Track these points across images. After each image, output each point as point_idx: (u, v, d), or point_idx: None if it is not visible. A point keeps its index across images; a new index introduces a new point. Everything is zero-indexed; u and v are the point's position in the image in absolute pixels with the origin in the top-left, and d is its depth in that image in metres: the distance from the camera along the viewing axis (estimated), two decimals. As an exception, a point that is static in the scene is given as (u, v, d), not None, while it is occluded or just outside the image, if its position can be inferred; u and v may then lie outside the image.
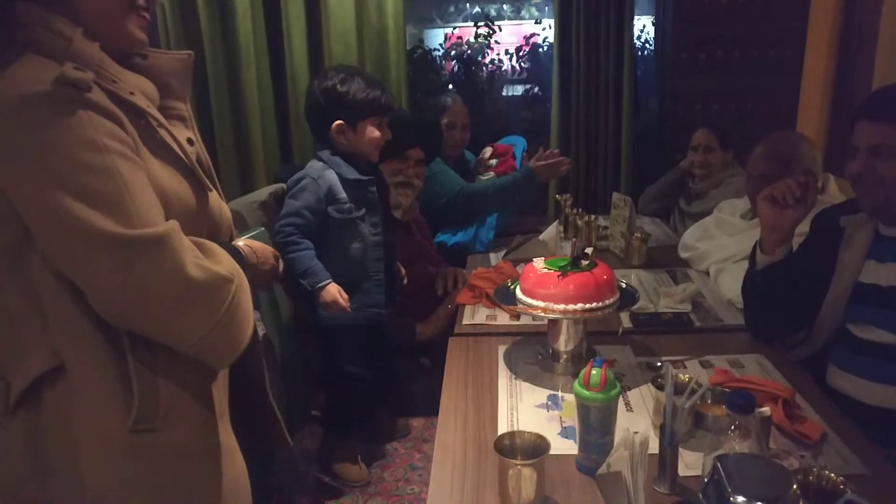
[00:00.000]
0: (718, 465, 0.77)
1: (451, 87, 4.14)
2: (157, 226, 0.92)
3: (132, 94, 1.00)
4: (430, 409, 2.00)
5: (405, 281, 1.95)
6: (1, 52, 0.93)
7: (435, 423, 1.96)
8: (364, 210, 1.76)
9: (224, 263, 1.01)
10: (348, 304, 1.70)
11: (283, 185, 2.21)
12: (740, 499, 0.72)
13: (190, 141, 1.14)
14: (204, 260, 0.97)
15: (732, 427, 0.91)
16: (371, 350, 1.84)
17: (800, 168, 1.92)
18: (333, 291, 1.68)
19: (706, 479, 0.77)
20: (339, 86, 1.74)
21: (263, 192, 2.17)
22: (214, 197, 1.13)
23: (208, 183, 1.10)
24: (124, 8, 1.01)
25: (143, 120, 1.00)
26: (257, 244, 1.28)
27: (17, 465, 0.99)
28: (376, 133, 1.77)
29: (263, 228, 1.88)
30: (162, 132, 1.03)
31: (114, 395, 0.96)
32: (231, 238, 1.25)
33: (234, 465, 1.10)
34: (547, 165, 2.60)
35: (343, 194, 1.74)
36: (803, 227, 1.63)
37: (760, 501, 0.71)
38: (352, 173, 1.75)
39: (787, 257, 1.53)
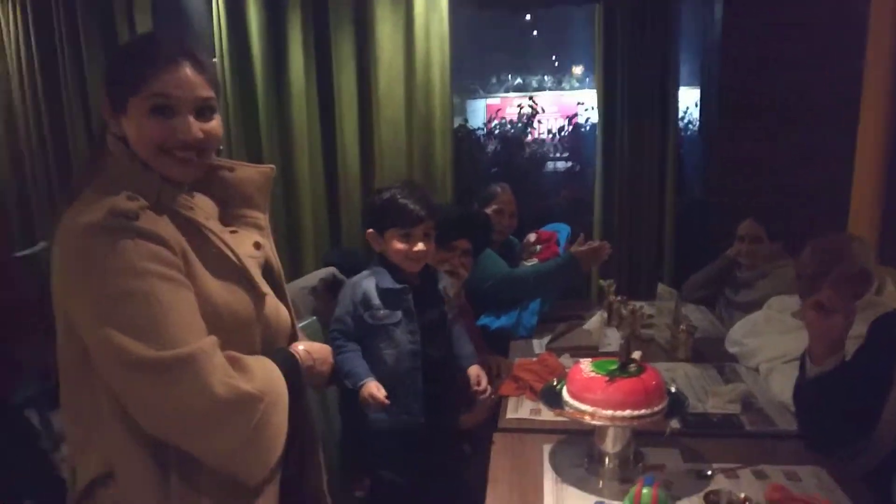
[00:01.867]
0: None
1: (493, 168, 4.21)
2: (188, 345, 0.97)
3: (191, 208, 1.08)
4: (470, 500, 1.96)
5: (483, 390, 1.92)
6: (94, 178, 1.05)
7: (476, 517, 1.93)
8: (400, 317, 1.78)
9: (256, 381, 1.04)
10: (385, 398, 1.70)
11: (333, 270, 2.26)
12: None
13: (257, 245, 1.20)
14: (234, 378, 1.01)
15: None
16: (410, 455, 1.82)
17: (853, 269, 1.88)
18: (371, 388, 1.69)
19: None
20: (377, 195, 1.82)
21: (314, 278, 2.23)
22: (271, 302, 1.18)
23: (262, 288, 1.14)
24: (155, 151, 1.07)
25: (200, 234, 1.07)
26: (316, 345, 1.31)
27: None
28: (400, 245, 1.79)
29: (314, 318, 1.92)
30: (219, 243, 1.09)
31: None
32: (295, 338, 1.28)
33: None
34: (589, 251, 2.61)
35: (377, 301, 1.77)
36: (860, 330, 1.59)
37: None
38: (387, 282, 1.79)
39: (840, 367, 1.48)
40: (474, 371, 1.93)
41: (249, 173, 1.23)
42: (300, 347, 1.25)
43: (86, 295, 0.97)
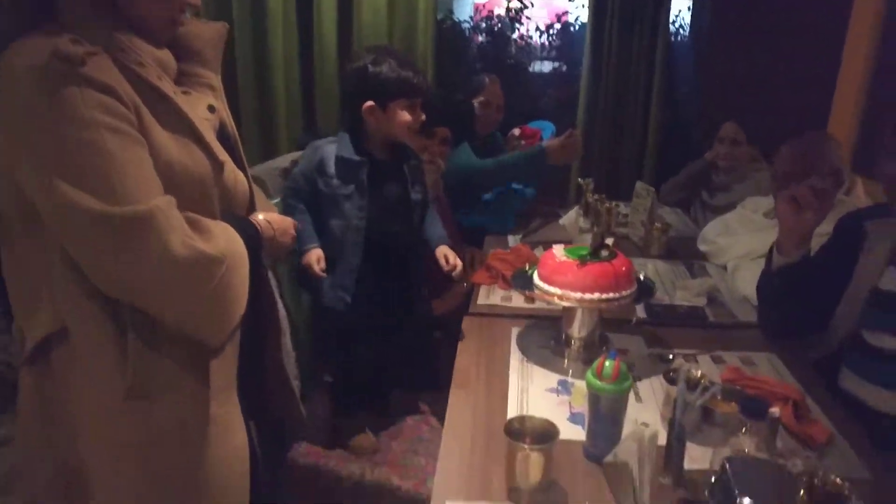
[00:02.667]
0: (727, 465, 0.78)
1: (478, 64, 4.09)
2: (145, 202, 0.92)
3: (142, 65, 1.00)
4: (440, 383, 2.03)
5: (454, 269, 1.89)
6: (42, 23, 0.94)
7: (443, 397, 1.99)
8: (352, 190, 1.75)
9: (216, 242, 1.01)
10: (322, 272, 1.71)
11: (304, 154, 2.22)
12: (746, 501, 0.73)
13: (211, 108, 1.14)
14: (194, 238, 0.97)
15: (743, 429, 0.93)
16: (377, 330, 1.84)
17: (826, 168, 1.90)
18: (311, 258, 1.70)
19: (713, 479, 0.79)
20: (370, 66, 1.72)
21: (286, 159, 2.18)
22: (229, 168, 1.13)
23: (220, 155, 1.09)
24: (167, 23, 1.05)
25: (153, 92, 1.00)
26: (276, 217, 1.28)
27: (27, 413, 1.06)
28: (406, 116, 1.74)
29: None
30: (174, 102, 1.03)
31: (112, 364, 0.99)
32: (252, 209, 1.25)
33: (232, 438, 1.11)
34: (559, 146, 2.46)
35: (332, 169, 1.74)
36: (826, 228, 1.62)
37: (765, 504, 0.73)
38: (346, 151, 1.74)
39: (804, 259, 1.52)
40: (441, 252, 1.91)
41: (200, 28, 1.16)
42: (260, 217, 1.22)
43: (31, 146, 0.91)
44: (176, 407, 1.03)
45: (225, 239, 1.03)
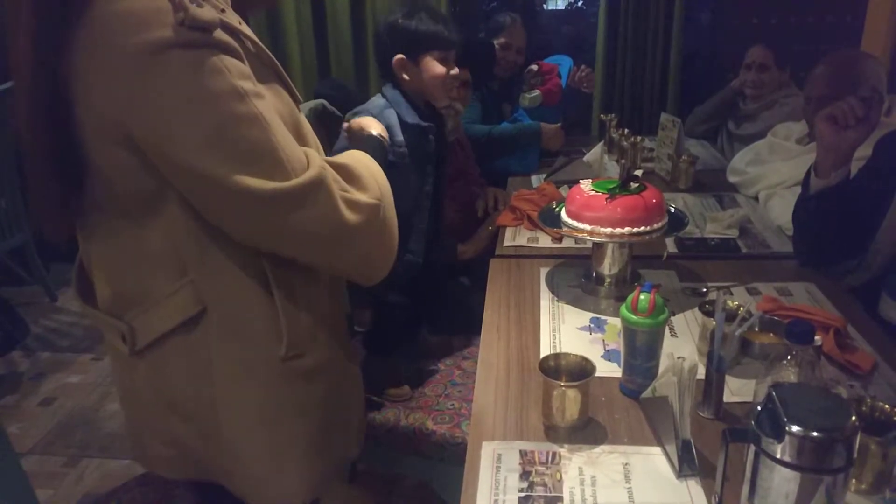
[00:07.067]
0: (773, 393, 0.76)
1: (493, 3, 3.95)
2: (310, 168, 0.86)
3: (223, 10, 0.85)
4: (469, 327, 2.02)
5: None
6: None
7: (473, 341, 2.00)
8: (419, 157, 1.71)
9: (370, 188, 0.96)
10: None
11: (323, 101, 2.17)
12: (795, 428, 0.71)
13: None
14: (351, 192, 0.92)
15: (786, 358, 0.90)
16: (414, 280, 1.82)
17: (864, 88, 1.81)
18: None
19: (759, 408, 0.76)
20: (401, 19, 1.67)
21: (304, 108, 2.14)
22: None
23: (295, 89, 1.00)
24: None
25: (235, 33, 0.87)
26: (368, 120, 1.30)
27: (144, 403, 1.00)
28: (439, 68, 1.68)
29: (305, 147, 1.87)
30: (258, 43, 0.92)
31: (263, 328, 0.94)
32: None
33: (352, 376, 1.15)
34: (554, 134, 2.61)
35: (401, 137, 1.67)
36: (865, 151, 1.55)
37: (817, 432, 0.70)
38: (412, 117, 1.68)
39: (844, 182, 1.46)
40: None
41: None
42: (374, 131, 1.20)
43: (177, 129, 0.79)
44: (320, 354, 1.01)
45: (370, 177, 0.98)
